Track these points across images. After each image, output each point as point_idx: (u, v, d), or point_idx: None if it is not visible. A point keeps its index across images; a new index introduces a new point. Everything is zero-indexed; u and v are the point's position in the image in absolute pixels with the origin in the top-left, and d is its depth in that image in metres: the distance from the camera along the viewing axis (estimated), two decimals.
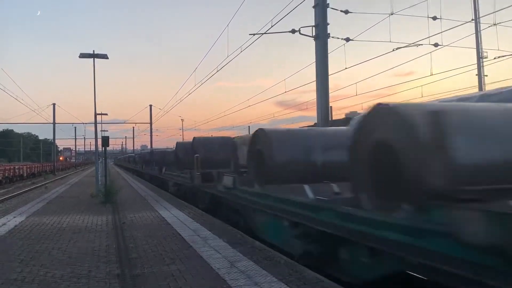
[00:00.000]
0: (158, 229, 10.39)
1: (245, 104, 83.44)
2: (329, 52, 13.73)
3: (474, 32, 24.16)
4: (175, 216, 12.46)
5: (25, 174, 44.21)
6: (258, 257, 7.15)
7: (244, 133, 50.35)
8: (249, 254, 7.38)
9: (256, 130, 9.22)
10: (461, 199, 3.87)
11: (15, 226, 11.11)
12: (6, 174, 37.21)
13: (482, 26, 23.97)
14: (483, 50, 25.16)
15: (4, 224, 11.46)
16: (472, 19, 23.66)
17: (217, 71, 21.51)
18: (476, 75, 24.98)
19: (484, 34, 25.91)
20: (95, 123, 22.81)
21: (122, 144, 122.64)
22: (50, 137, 64.75)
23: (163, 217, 12.33)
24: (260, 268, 6.43)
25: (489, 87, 23.34)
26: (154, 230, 10.18)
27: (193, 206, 14.81)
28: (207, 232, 9.74)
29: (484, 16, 24.36)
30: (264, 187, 8.21)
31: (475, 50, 24.82)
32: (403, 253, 4.34)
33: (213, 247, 8.11)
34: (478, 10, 24.02)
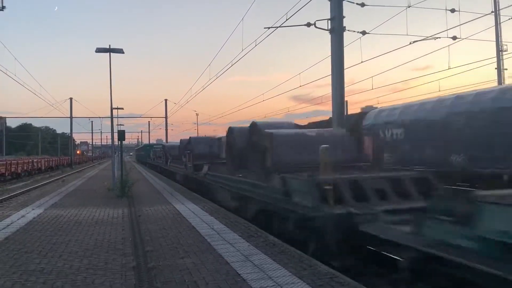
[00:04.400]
0: (173, 222, 10.47)
1: (260, 98, 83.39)
2: (344, 45, 13.59)
3: (494, 24, 23.66)
4: (190, 210, 12.54)
5: (43, 168, 44.97)
6: (272, 251, 7.15)
7: None
8: (263, 248, 7.39)
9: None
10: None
11: (34, 218, 11.32)
12: (25, 168, 37.90)
13: (502, 19, 23.48)
14: (503, 43, 24.65)
15: (23, 216, 11.68)
16: (492, 11, 23.16)
17: (232, 65, 21.44)
18: (496, 68, 24.49)
19: (504, 27, 25.36)
20: (111, 117, 23.00)
21: (138, 138, 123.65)
22: (68, 131, 65.62)
23: (178, 211, 12.42)
24: (274, 262, 6.44)
25: (508, 81, 22.90)
26: (169, 223, 10.26)
27: (208, 200, 14.86)
28: (221, 225, 9.78)
29: (504, 8, 23.86)
30: None
31: (494, 43, 24.32)
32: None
33: (227, 240, 8.14)
34: (498, 2, 23.51)
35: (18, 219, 11.09)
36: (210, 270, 6.14)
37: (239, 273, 5.96)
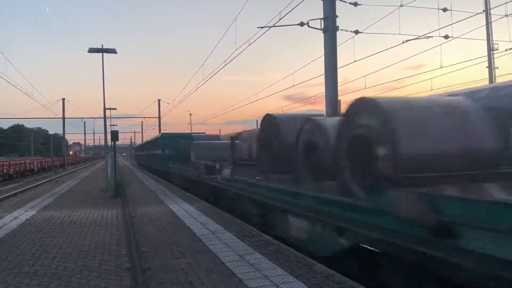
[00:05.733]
0: (168, 222, 10.45)
1: (253, 98, 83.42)
2: (338, 45, 13.62)
3: (485, 23, 23.83)
4: (185, 210, 12.51)
5: (35, 169, 44.66)
6: (268, 251, 7.16)
7: (252, 126, 50.22)
8: (259, 248, 7.40)
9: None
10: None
11: (27, 220, 11.24)
12: (17, 169, 37.62)
13: (493, 18, 23.63)
14: (494, 42, 24.83)
15: (16, 218, 11.60)
16: (483, 10, 23.33)
17: (225, 64, 21.43)
18: (487, 67, 24.66)
19: (495, 26, 25.56)
20: (104, 117, 22.94)
21: (131, 139, 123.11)
22: (60, 131, 65.30)
23: (173, 211, 12.39)
24: (270, 262, 6.44)
25: (500, 80, 23.06)
26: (163, 224, 10.24)
27: (202, 200, 14.88)
28: (216, 225, 9.77)
29: (495, 7, 24.01)
30: None
31: (485, 42, 24.49)
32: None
33: (222, 240, 8.14)
34: (489, 1, 23.69)
35: (11, 221, 11.01)
36: (205, 270, 6.13)
37: (234, 272, 5.96)
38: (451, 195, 4.47)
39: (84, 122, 79.62)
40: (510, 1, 17.15)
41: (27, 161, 43.15)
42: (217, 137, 25.92)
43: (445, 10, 16.15)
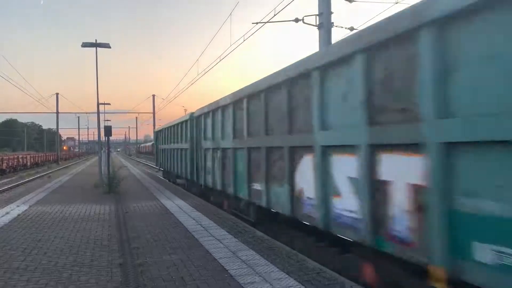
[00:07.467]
0: (160, 218, 10.41)
1: None
2: (333, 41, 13.59)
3: None
4: (178, 206, 12.48)
5: (28, 164, 44.40)
6: (260, 247, 7.15)
7: None
8: (251, 244, 7.39)
9: None
10: None
11: (18, 215, 11.16)
12: (10, 164, 37.37)
13: None
14: None
15: (7, 213, 11.51)
16: None
17: (220, 60, 21.33)
18: None
19: None
20: (98, 113, 22.81)
21: (125, 134, 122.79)
22: (54, 126, 64.91)
23: (166, 207, 12.35)
24: (262, 258, 6.43)
25: None
26: (156, 220, 10.20)
27: (195, 196, 14.85)
28: (209, 221, 9.75)
29: None
30: None
31: None
32: None
33: (215, 236, 8.12)
34: None
35: (2, 216, 10.92)
36: (197, 267, 6.11)
37: (226, 269, 5.94)
38: None
39: (78, 117, 79.04)
40: None
41: (20, 156, 42.90)
42: None
43: None
